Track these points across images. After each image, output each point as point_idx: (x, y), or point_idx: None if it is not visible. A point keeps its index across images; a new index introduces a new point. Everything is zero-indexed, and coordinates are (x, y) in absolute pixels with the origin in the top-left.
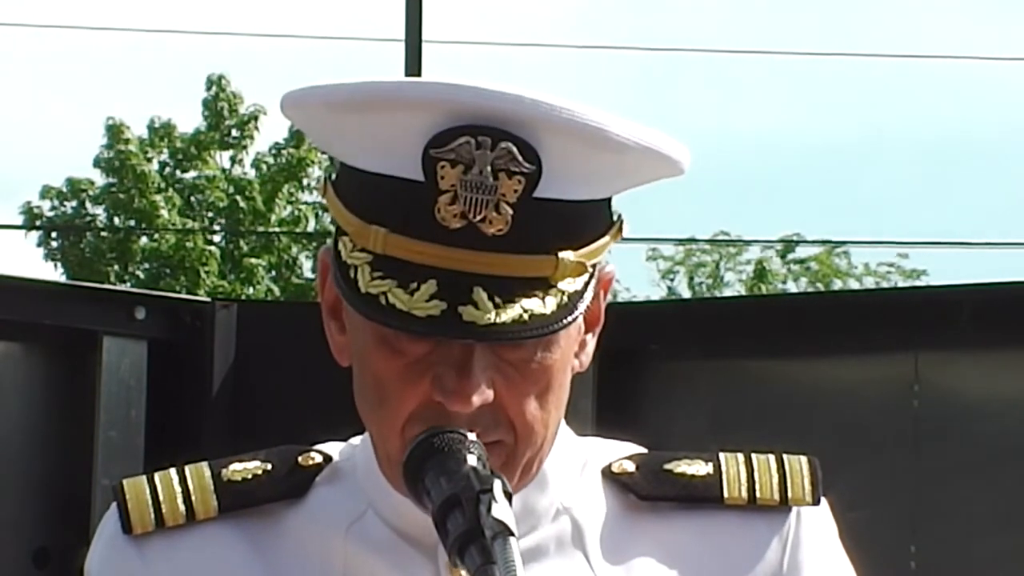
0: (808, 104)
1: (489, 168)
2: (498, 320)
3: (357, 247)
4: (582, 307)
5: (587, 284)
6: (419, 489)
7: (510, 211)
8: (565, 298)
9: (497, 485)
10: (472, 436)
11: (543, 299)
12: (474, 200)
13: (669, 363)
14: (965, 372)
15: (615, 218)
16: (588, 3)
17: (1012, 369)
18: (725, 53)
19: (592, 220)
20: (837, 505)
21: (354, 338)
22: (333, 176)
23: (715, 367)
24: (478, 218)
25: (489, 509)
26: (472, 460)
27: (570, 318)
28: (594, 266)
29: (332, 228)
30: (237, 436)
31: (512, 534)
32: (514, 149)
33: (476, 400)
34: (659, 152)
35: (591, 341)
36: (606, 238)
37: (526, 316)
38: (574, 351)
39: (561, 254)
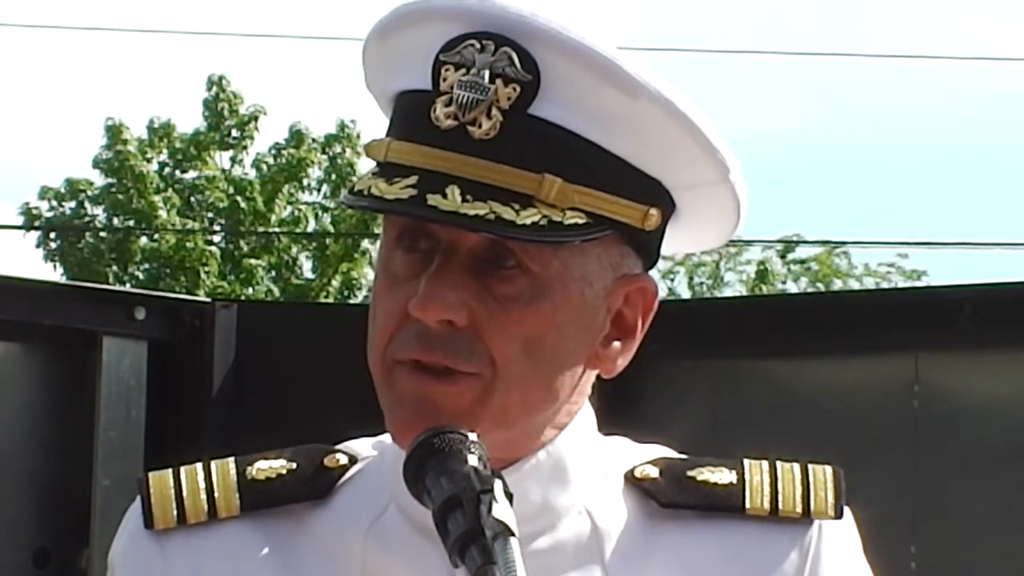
0: (808, 104)
1: (487, 71)
2: (459, 211)
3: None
4: (558, 239)
5: (583, 229)
6: (420, 489)
7: (500, 117)
8: (545, 221)
9: (498, 485)
10: (473, 436)
11: (517, 212)
12: (466, 99)
13: (669, 363)
14: (965, 372)
15: (648, 202)
16: (588, 3)
17: (1012, 369)
18: (725, 53)
19: (596, 164)
20: None
21: None
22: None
23: (715, 367)
24: (467, 119)
25: (490, 509)
26: (473, 460)
27: (544, 239)
28: (600, 219)
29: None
30: (237, 436)
31: (513, 534)
32: (513, 55)
33: (436, 309)
34: (672, 105)
35: (619, 349)
36: (618, 198)
37: (491, 216)
38: (582, 329)
39: (548, 175)
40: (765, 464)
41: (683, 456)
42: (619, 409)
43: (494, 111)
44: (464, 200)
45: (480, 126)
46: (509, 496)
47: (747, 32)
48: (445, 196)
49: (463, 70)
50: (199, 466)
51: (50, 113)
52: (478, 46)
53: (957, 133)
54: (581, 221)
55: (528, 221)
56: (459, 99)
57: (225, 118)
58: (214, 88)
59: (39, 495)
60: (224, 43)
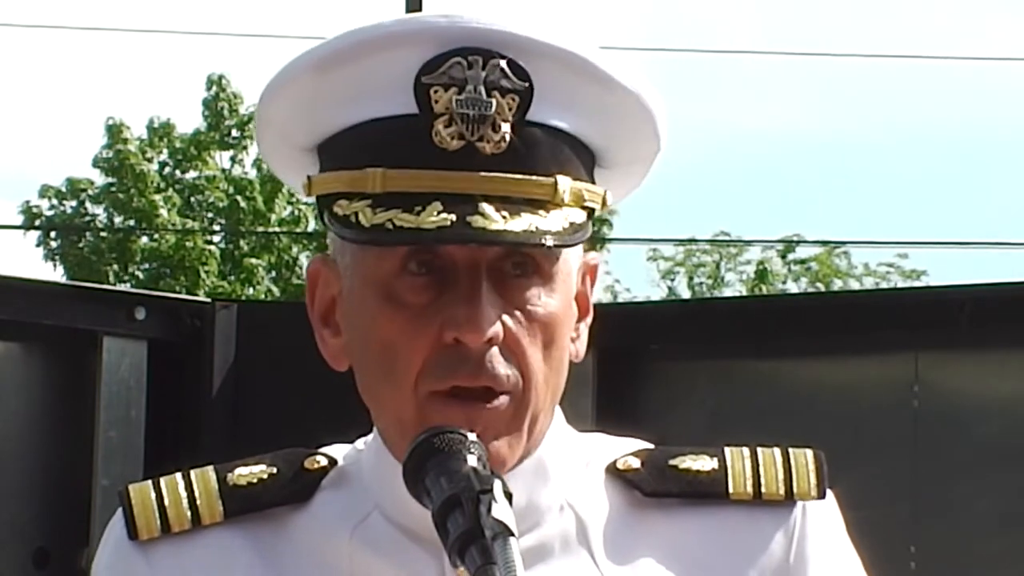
0: (808, 104)
1: (482, 87)
2: (508, 228)
3: (355, 198)
4: (581, 238)
5: (584, 225)
6: (419, 489)
7: (506, 129)
8: (567, 222)
9: (497, 485)
10: (472, 436)
11: (546, 218)
12: (470, 118)
13: (669, 363)
14: (965, 372)
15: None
16: (588, 3)
17: (1012, 369)
18: (724, 53)
19: (582, 160)
20: (838, 505)
21: (355, 319)
22: (313, 175)
23: (715, 367)
24: (475, 137)
25: (489, 509)
26: (472, 460)
27: (574, 242)
28: (589, 213)
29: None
30: (237, 436)
31: (512, 534)
32: (505, 67)
33: (488, 330)
34: (639, 98)
35: (584, 331)
36: (595, 187)
37: (533, 228)
38: (572, 319)
39: (559, 178)
40: (746, 450)
41: (663, 446)
42: (619, 409)
43: (499, 124)
44: (503, 217)
45: (489, 141)
46: (508, 496)
47: (747, 32)
48: (484, 216)
49: (455, 89)
50: (178, 475)
51: (50, 113)
52: (465, 63)
53: (957, 133)
54: (584, 216)
55: (559, 227)
56: (462, 119)
57: (225, 118)
58: (214, 88)
59: (39, 495)
60: (224, 43)
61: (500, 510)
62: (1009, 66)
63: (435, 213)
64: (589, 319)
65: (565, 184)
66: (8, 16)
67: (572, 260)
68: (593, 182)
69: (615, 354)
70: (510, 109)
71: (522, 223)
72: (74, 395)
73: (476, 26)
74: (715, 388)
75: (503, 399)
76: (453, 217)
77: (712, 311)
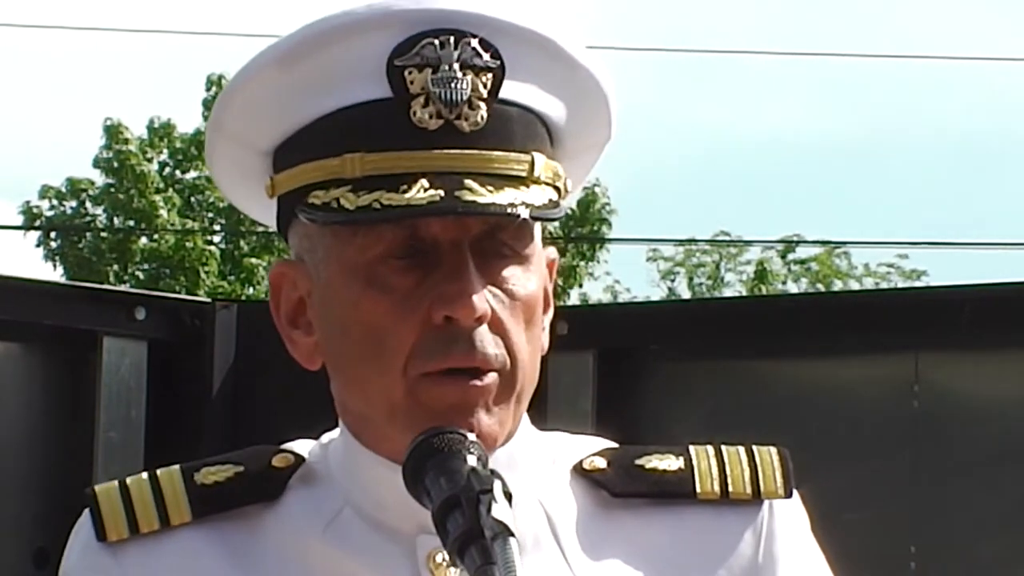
0: (808, 104)
1: (456, 65)
2: (496, 200)
3: (333, 185)
4: (559, 214)
5: (558, 203)
6: (419, 489)
7: (483, 106)
8: (546, 198)
9: (497, 485)
10: (472, 436)
11: (528, 191)
12: (447, 95)
13: (669, 363)
14: (965, 372)
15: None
16: (588, 4)
17: (1012, 369)
18: (725, 54)
19: (552, 137)
20: (837, 505)
21: (332, 311)
22: (274, 174)
23: (715, 367)
24: (454, 115)
25: (489, 509)
26: (472, 460)
27: (556, 212)
28: (558, 192)
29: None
30: (237, 436)
31: (512, 534)
32: (476, 45)
33: (479, 304)
34: (597, 81)
35: (548, 321)
36: (561, 168)
37: (519, 201)
38: (542, 304)
39: (535, 154)
40: (711, 448)
41: (627, 445)
42: (619, 409)
43: (476, 101)
44: (489, 191)
45: (467, 119)
46: (508, 496)
47: (747, 32)
48: (472, 191)
49: (429, 69)
50: (144, 476)
51: (50, 113)
52: (437, 43)
53: (958, 133)
54: (556, 195)
55: (541, 201)
56: (440, 96)
57: None
58: (214, 88)
59: (39, 495)
60: (224, 43)
61: (500, 510)
62: (1009, 66)
63: (422, 190)
64: (551, 313)
65: (541, 160)
66: (8, 16)
67: (539, 242)
68: (559, 162)
69: (615, 354)
70: (485, 87)
71: (507, 196)
72: (74, 395)
73: (444, 7)
74: (715, 388)
75: (492, 376)
76: (441, 192)
77: (712, 311)
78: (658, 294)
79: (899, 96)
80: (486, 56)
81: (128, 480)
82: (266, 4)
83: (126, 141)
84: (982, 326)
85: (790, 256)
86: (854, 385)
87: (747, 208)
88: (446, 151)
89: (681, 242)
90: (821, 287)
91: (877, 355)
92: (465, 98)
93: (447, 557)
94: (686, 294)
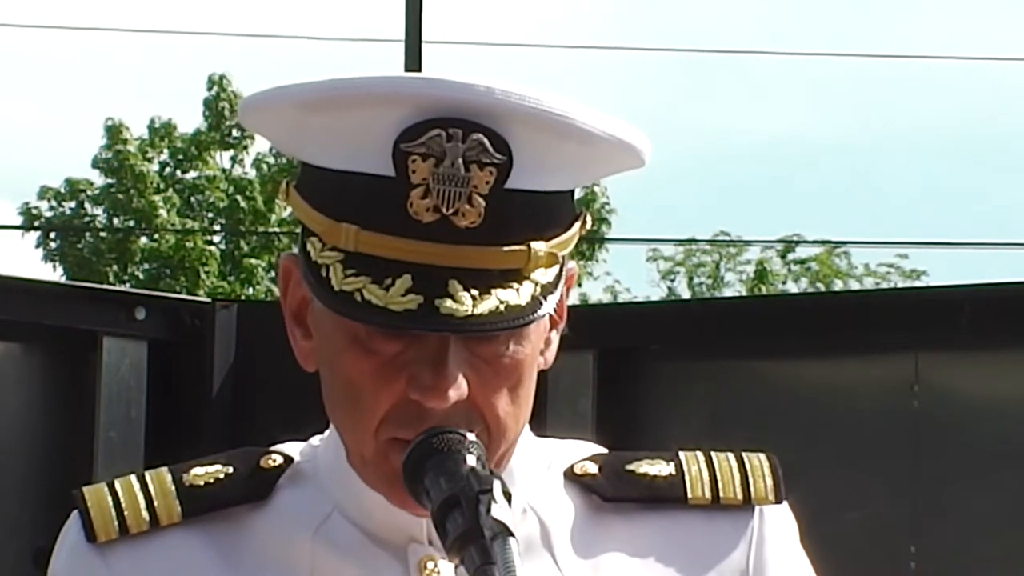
0: (808, 104)
1: (461, 160)
2: (475, 312)
3: (327, 246)
4: (554, 299)
5: (558, 277)
6: (418, 489)
7: (482, 203)
8: (538, 289)
9: (496, 486)
10: (471, 436)
11: (518, 291)
12: (447, 193)
13: (669, 363)
14: (965, 372)
15: (578, 211)
16: (588, 4)
17: (1012, 369)
18: (724, 54)
19: (560, 212)
20: (838, 505)
21: (323, 341)
22: (294, 181)
23: (715, 367)
24: (451, 211)
25: (488, 509)
26: (471, 460)
27: (543, 309)
28: (563, 258)
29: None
30: (237, 436)
31: (511, 535)
32: (485, 141)
33: (453, 395)
34: (624, 142)
35: (555, 339)
36: (573, 229)
37: (502, 307)
38: (541, 347)
39: (533, 245)
40: (700, 454)
41: (617, 451)
42: (619, 409)
43: (475, 198)
44: (471, 296)
45: (464, 216)
46: (508, 496)
47: (747, 32)
48: (453, 298)
49: (433, 160)
50: (133, 477)
51: (50, 113)
52: (445, 135)
53: (957, 133)
54: (557, 269)
55: (528, 298)
56: (439, 193)
57: (226, 118)
58: (214, 88)
59: (39, 495)
60: (224, 43)
61: (499, 510)
62: (1009, 66)
63: (403, 291)
64: (562, 326)
65: (539, 248)
66: (8, 16)
67: (549, 301)
68: (571, 224)
69: (615, 354)
70: (487, 183)
71: (490, 303)
72: (74, 395)
73: (455, 96)
74: (715, 388)
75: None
76: (421, 299)
77: (712, 311)
78: (658, 294)
79: (899, 96)
80: (493, 152)
81: (117, 481)
82: (266, 4)
83: (125, 142)
84: (982, 326)
85: (790, 256)
86: (854, 385)
87: (747, 208)
88: (437, 245)
89: (681, 242)
90: (821, 287)
91: (877, 355)
92: (465, 196)
93: (439, 564)
94: (686, 294)
